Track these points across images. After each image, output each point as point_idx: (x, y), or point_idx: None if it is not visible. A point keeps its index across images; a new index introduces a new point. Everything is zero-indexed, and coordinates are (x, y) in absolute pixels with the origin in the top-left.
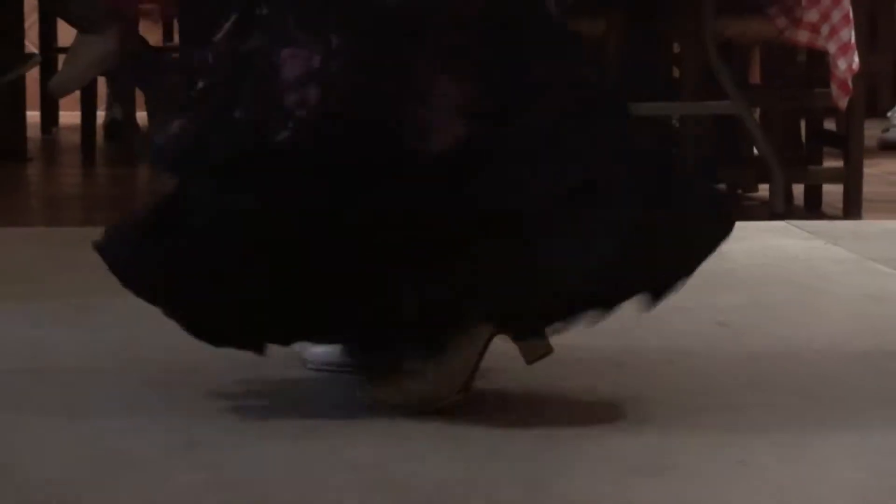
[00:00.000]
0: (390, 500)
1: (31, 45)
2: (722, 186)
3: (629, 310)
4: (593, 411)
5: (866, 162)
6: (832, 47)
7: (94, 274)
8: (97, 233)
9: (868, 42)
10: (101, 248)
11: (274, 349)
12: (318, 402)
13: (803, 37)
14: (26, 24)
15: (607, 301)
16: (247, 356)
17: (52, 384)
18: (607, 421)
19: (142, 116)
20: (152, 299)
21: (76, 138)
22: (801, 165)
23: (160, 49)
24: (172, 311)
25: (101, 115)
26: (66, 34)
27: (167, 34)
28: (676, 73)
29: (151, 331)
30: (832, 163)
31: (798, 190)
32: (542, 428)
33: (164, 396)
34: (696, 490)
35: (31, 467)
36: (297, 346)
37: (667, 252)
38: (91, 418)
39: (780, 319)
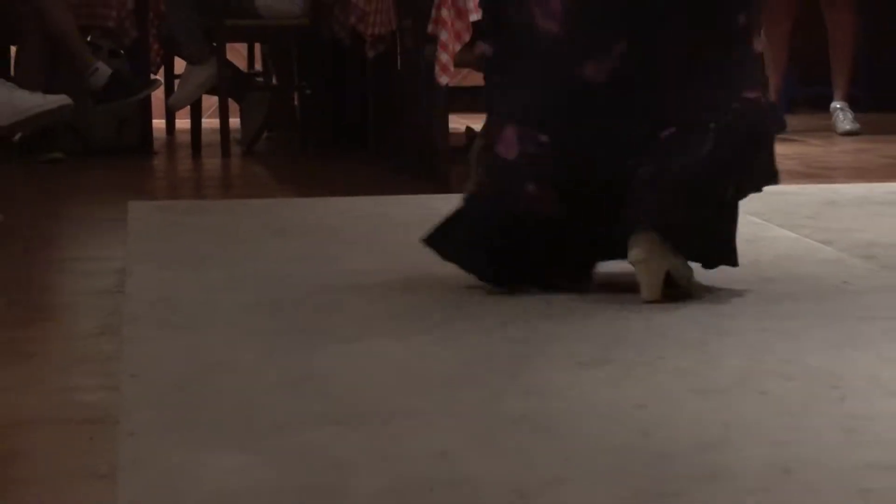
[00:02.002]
0: (411, 387)
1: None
2: None
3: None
4: (550, 322)
5: None
6: None
7: (202, 233)
8: (206, 208)
9: None
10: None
11: None
12: (365, 318)
13: None
14: (152, 58)
15: None
16: (310, 293)
17: (176, 309)
18: (561, 329)
19: (234, 122)
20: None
21: (187, 138)
22: None
23: (247, 73)
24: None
25: (205, 121)
26: (179, 65)
27: (251, 62)
28: None
29: (247, 273)
30: None
31: None
32: (516, 332)
33: (255, 318)
34: (626, 377)
35: (158, 371)
36: None
37: None
38: (202, 332)
39: None
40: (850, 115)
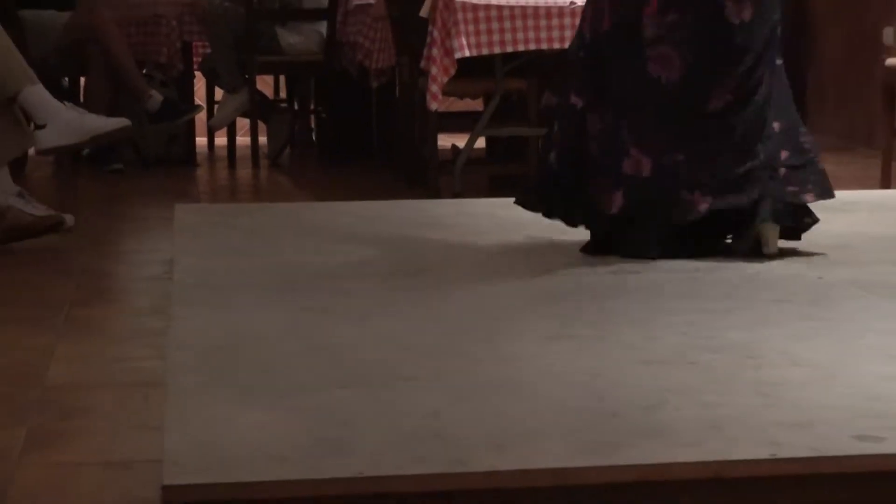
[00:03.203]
0: (407, 357)
1: (199, 99)
2: None
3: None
4: (520, 303)
5: None
6: None
7: (236, 230)
8: (239, 209)
9: None
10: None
11: None
12: (370, 300)
13: None
14: (196, 87)
15: None
16: (325, 279)
17: (214, 293)
18: (530, 309)
19: (262, 139)
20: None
21: (224, 153)
22: None
23: (273, 100)
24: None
25: (239, 139)
26: (218, 92)
27: (276, 90)
28: None
29: (273, 263)
30: None
31: None
32: (492, 311)
33: (279, 300)
34: (583, 350)
35: (199, 343)
36: None
37: None
38: (236, 311)
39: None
40: None
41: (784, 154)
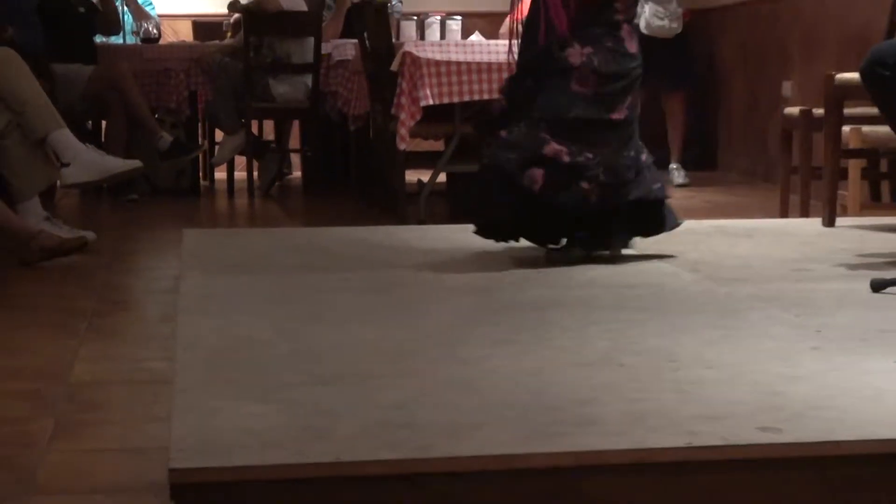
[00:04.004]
0: (378, 358)
1: (202, 138)
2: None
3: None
4: (472, 314)
5: None
6: None
7: (234, 250)
8: (237, 233)
9: None
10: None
11: None
12: (347, 310)
13: None
14: (200, 129)
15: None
16: (310, 292)
17: (215, 303)
18: (480, 318)
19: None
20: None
21: (224, 185)
22: None
23: (265, 140)
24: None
25: (236, 173)
26: (219, 134)
27: (260, 132)
28: None
29: (266, 278)
30: None
31: None
32: (449, 319)
33: (271, 308)
34: (525, 353)
35: (202, 346)
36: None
37: None
38: (234, 318)
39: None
40: (682, 172)
41: (643, 156)
